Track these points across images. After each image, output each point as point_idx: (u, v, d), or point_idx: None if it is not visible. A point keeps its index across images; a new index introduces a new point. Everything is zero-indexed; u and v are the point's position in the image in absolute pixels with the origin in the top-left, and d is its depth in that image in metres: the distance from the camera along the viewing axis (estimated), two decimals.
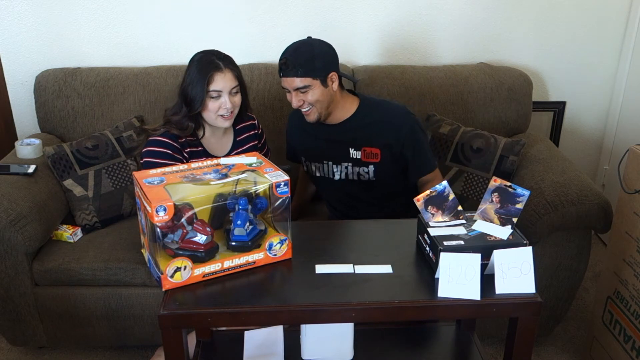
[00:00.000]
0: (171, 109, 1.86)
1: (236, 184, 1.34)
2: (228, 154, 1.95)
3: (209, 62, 1.79)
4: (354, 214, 2.05)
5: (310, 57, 1.78)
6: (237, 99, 1.85)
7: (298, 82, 1.79)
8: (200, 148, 1.89)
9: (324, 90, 1.82)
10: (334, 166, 1.97)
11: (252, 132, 2.03)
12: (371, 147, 1.91)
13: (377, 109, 1.93)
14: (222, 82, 1.78)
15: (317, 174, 2.03)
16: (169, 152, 1.81)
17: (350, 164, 1.94)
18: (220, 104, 1.80)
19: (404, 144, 1.89)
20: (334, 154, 1.96)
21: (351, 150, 1.93)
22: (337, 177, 1.98)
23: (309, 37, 1.86)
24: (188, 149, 1.86)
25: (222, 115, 1.82)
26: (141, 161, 1.84)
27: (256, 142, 2.04)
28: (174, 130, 1.82)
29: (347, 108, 1.92)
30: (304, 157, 2.06)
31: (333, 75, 1.83)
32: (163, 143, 1.81)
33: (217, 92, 1.78)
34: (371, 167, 1.92)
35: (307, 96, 1.81)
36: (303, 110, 1.86)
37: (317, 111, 1.85)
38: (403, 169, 1.95)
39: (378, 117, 1.91)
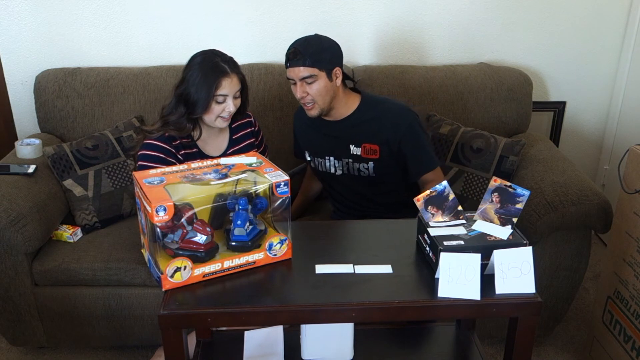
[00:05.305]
0: (167, 107, 1.85)
1: (236, 184, 1.34)
2: (224, 153, 1.94)
3: (215, 65, 1.78)
4: (356, 209, 2.07)
5: (319, 49, 1.82)
6: (239, 102, 1.86)
7: (305, 71, 1.80)
8: (195, 150, 1.89)
9: (329, 83, 1.84)
10: (336, 162, 1.99)
11: (249, 130, 2.03)
12: (370, 143, 1.92)
13: (377, 107, 1.95)
14: (229, 86, 1.79)
15: (320, 169, 2.06)
16: (162, 156, 1.81)
17: (350, 160, 1.96)
18: (224, 108, 1.81)
19: (401, 140, 1.90)
20: (335, 150, 1.98)
21: (351, 147, 1.94)
22: (338, 172, 2.00)
23: (316, 34, 1.88)
24: (183, 151, 1.85)
25: (221, 117, 1.82)
26: (136, 164, 1.85)
27: (253, 139, 2.04)
28: (171, 132, 1.82)
29: (348, 105, 1.94)
30: (308, 152, 2.09)
31: (337, 71, 1.86)
32: (157, 147, 1.82)
33: (224, 96, 1.79)
34: (371, 164, 1.93)
35: (312, 87, 1.83)
36: (306, 104, 1.88)
37: (319, 106, 1.88)
38: (403, 166, 1.95)
39: (377, 114, 1.93)
